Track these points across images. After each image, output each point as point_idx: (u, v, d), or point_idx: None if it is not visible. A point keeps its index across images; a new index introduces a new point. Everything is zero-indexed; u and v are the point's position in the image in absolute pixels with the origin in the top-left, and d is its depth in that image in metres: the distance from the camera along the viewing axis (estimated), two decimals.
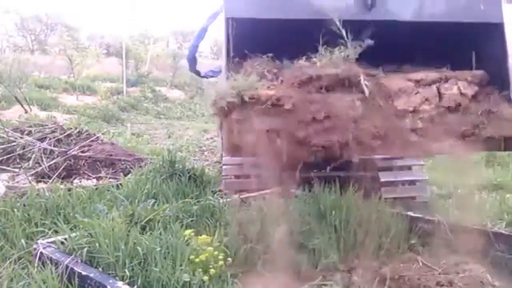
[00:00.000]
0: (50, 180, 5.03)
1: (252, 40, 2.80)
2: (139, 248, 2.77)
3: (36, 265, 2.79)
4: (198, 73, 4.87)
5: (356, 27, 2.86)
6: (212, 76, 5.22)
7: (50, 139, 6.31)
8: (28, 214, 3.67)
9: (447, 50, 3.12)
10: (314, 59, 2.92)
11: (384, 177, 4.84)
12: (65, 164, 5.63)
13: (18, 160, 5.89)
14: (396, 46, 2.91)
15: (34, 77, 16.94)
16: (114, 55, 23.75)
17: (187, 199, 4.18)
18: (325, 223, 3.53)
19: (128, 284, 2.51)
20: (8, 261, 2.93)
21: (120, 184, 4.80)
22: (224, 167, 4.99)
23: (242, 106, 2.64)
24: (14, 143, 6.11)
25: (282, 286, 2.88)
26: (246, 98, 2.64)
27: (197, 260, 2.72)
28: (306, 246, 3.30)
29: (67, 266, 2.62)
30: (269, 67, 2.98)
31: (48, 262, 2.72)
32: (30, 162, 5.72)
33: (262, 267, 3.00)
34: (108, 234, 2.90)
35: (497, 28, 3.00)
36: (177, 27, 33.36)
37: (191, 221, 3.56)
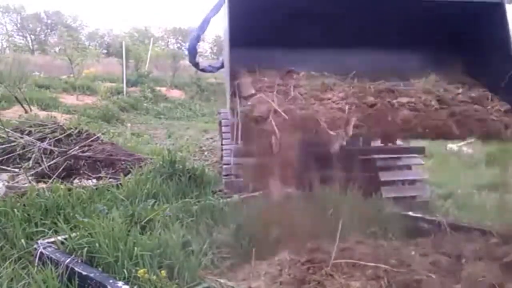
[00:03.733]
0: (50, 180, 5.02)
1: (257, 24, 2.60)
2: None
3: (36, 265, 2.79)
4: (196, 64, 4.85)
5: None
6: (211, 71, 5.22)
7: (50, 139, 6.30)
8: (28, 214, 3.67)
9: (441, 32, 2.99)
10: None
11: (384, 176, 4.84)
12: (65, 164, 5.62)
13: (18, 160, 5.88)
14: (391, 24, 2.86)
15: (34, 77, 16.89)
16: (114, 55, 23.71)
17: (187, 199, 4.18)
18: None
19: (128, 284, 2.51)
20: (8, 261, 2.93)
21: (120, 184, 4.80)
22: (224, 166, 5.00)
23: None
24: (14, 143, 6.10)
25: None
26: None
27: None
28: None
29: (67, 266, 2.62)
30: None
31: (48, 262, 2.72)
32: (30, 162, 5.70)
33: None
34: (108, 234, 2.90)
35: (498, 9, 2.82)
36: (177, 26, 33.39)
37: (191, 221, 3.56)
